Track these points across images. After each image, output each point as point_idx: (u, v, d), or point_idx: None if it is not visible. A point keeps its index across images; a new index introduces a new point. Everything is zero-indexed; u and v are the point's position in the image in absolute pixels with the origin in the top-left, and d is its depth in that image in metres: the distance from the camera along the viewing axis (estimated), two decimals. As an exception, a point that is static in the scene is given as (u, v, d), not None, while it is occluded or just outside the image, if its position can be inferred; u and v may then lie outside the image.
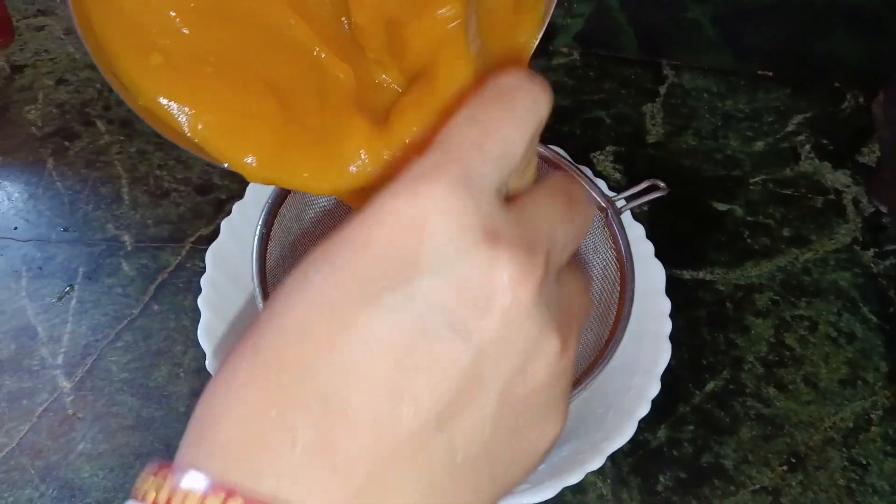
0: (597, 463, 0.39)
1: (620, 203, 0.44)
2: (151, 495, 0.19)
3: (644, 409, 0.40)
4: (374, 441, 0.19)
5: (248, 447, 0.19)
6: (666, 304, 0.44)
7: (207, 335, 0.42)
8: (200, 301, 0.43)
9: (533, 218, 0.22)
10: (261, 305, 0.39)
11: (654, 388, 0.41)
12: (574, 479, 0.38)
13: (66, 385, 0.47)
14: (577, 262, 0.25)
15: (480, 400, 0.21)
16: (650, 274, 0.45)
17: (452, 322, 0.20)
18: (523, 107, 0.22)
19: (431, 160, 0.21)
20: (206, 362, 0.42)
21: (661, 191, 0.44)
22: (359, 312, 0.20)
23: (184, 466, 0.19)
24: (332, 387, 0.20)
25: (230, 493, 0.18)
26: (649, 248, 0.46)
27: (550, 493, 0.38)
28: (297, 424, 0.19)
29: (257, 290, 0.40)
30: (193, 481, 0.19)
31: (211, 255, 0.45)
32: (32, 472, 0.44)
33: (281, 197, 0.43)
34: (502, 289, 0.21)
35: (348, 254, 0.21)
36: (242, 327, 0.42)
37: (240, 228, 0.46)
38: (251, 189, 0.47)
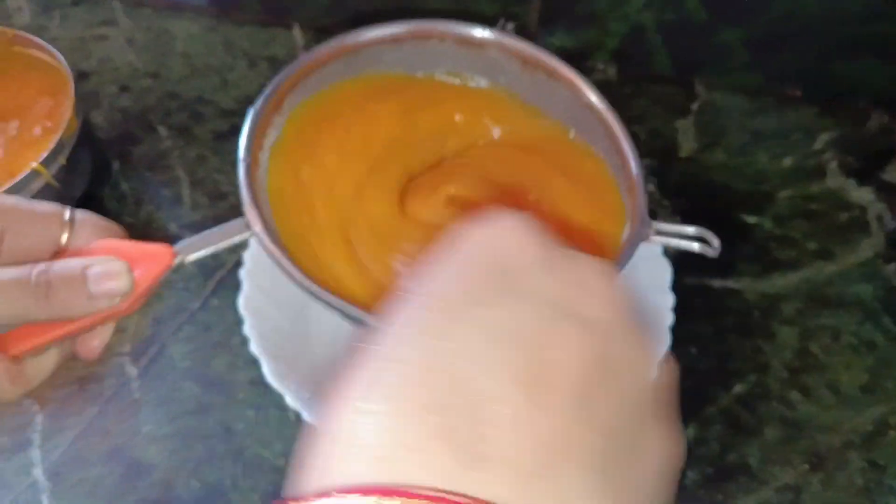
0: None
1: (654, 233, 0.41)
2: None
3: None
4: (526, 435, 0.19)
5: (401, 453, 0.18)
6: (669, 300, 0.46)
7: (247, 306, 0.44)
8: (242, 272, 0.45)
9: None
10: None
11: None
12: None
13: (132, 371, 0.51)
14: None
15: (611, 383, 0.20)
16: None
17: (570, 313, 0.21)
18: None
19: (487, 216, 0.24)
20: (245, 327, 0.43)
21: (713, 249, 0.41)
22: (470, 311, 0.20)
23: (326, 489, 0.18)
24: (463, 377, 0.19)
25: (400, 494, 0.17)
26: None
27: None
28: (446, 424, 0.19)
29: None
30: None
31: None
32: (102, 450, 0.48)
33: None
34: (606, 287, 0.22)
35: (444, 274, 0.22)
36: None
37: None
38: None
